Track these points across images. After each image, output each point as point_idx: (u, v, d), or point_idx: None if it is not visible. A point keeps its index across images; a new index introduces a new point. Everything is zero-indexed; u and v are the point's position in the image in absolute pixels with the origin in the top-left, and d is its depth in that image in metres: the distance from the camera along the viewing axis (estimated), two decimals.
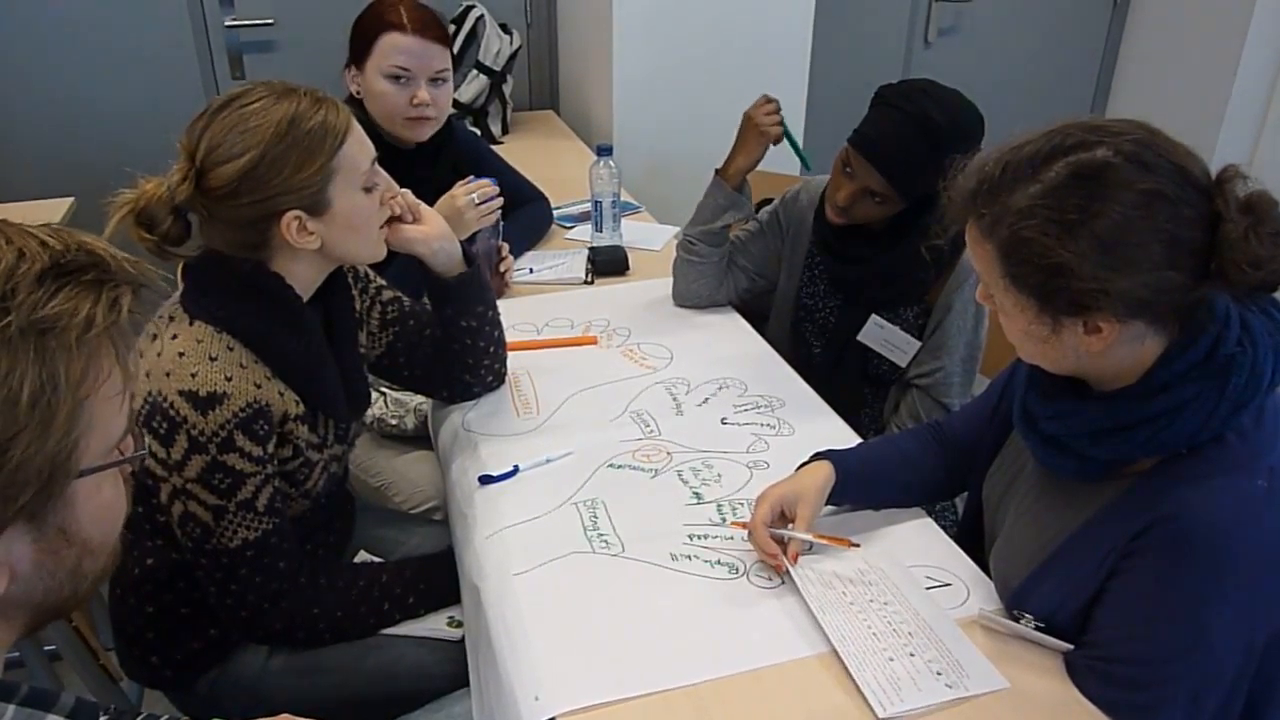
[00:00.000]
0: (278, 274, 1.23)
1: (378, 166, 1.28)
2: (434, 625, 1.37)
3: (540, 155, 2.84)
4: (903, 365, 1.73)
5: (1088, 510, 1.04)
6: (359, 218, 1.25)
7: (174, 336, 1.19)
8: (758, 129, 1.77)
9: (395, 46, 1.84)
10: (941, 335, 1.69)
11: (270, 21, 3.01)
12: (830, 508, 1.27)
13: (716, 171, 1.81)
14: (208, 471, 1.17)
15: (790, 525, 1.20)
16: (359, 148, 1.23)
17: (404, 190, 1.41)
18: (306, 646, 1.33)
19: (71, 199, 2.40)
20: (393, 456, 1.90)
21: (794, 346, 1.88)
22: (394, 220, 1.37)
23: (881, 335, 1.74)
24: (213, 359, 1.18)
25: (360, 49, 1.89)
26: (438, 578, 1.38)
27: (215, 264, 1.22)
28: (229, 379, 1.18)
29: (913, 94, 1.56)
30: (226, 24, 2.99)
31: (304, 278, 1.26)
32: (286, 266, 1.24)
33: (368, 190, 1.25)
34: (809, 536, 1.19)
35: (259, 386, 1.20)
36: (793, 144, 1.81)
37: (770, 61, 2.91)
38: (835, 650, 1.06)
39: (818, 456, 1.28)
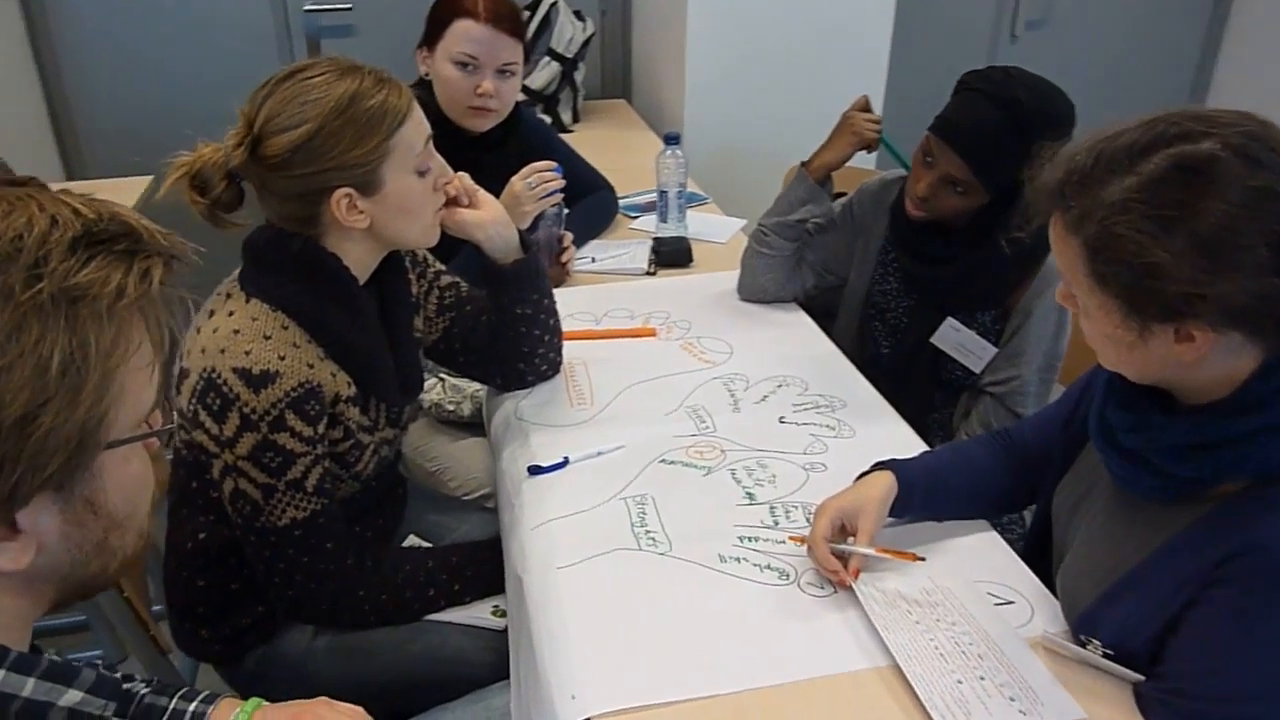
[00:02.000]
0: (333, 254, 1.22)
1: (434, 151, 1.26)
2: (479, 613, 1.36)
3: (610, 144, 2.81)
4: (976, 371, 1.65)
5: (1165, 533, 0.97)
6: (410, 200, 1.23)
7: (230, 314, 1.20)
8: (853, 130, 1.72)
9: (466, 34, 1.83)
10: (1020, 342, 1.61)
11: (349, 6, 3.05)
12: (890, 519, 1.22)
13: (802, 164, 1.77)
14: (258, 449, 1.17)
15: (851, 539, 1.14)
16: (416, 131, 1.22)
17: (461, 174, 1.39)
18: (351, 628, 1.32)
19: (150, 177, 2.46)
20: (448, 442, 1.90)
21: (862, 346, 1.82)
22: (451, 204, 1.36)
23: (956, 339, 1.67)
24: (267, 337, 1.18)
25: (433, 31, 1.88)
26: (485, 565, 1.36)
27: (272, 242, 1.22)
28: (282, 358, 1.17)
29: (998, 77, 1.49)
30: (305, 9, 3.04)
31: (358, 259, 1.25)
32: (339, 246, 1.23)
33: (421, 174, 1.24)
34: (871, 551, 1.13)
35: (311, 367, 1.20)
36: (892, 151, 1.75)
37: (848, 53, 2.84)
38: (894, 665, 1.01)
39: (879, 466, 1.22)
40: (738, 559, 1.18)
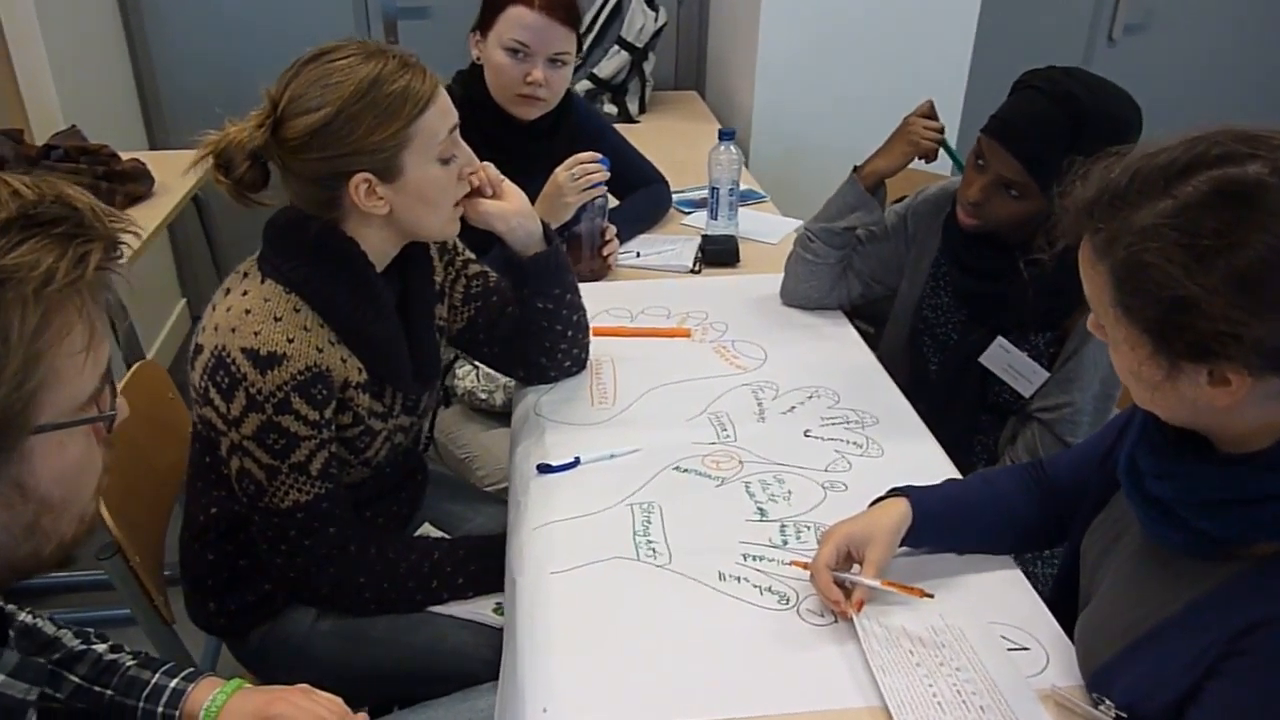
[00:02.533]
0: (351, 238, 1.21)
1: (459, 140, 1.24)
2: (481, 610, 1.33)
3: (674, 136, 2.77)
4: (1026, 395, 1.56)
5: (1192, 591, 0.88)
6: (431, 189, 1.21)
7: (244, 293, 1.20)
8: (909, 137, 1.63)
9: (519, 20, 1.80)
10: (1075, 367, 1.51)
11: None
12: (905, 548, 1.15)
13: (855, 169, 1.69)
14: (263, 431, 1.17)
15: (857, 569, 1.08)
16: (440, 119, 1.19)
17: (486, 164, 1.36)
18: (350, 613, 1.32)
19: None
20: (479, 431, 1.89)
21: (909, 360, 1.74)
22: (474, 194, 1.33)
23: (1006, 360, 1.57)
24: (277, 319, 1.17)
25: (487, 16, 1.86)
26: (490, 561, 1.34)
27: (291, 224, 1.21)
28: (290, 340, 1.17)
29: (1056, 75, 1.40)
30: None
31: (377, 245, 1.24)
32: (358, 231, 1.22)
33: (444, 162, 1.21)
34: (877, 584, 1.06)
35: (320, 351, 1.19)
36: (955, 159, 1.66)
37: (927, 53, 2.73)
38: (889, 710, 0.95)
39: (895, 492, 1.15)
40: (738, 578, 1.13)
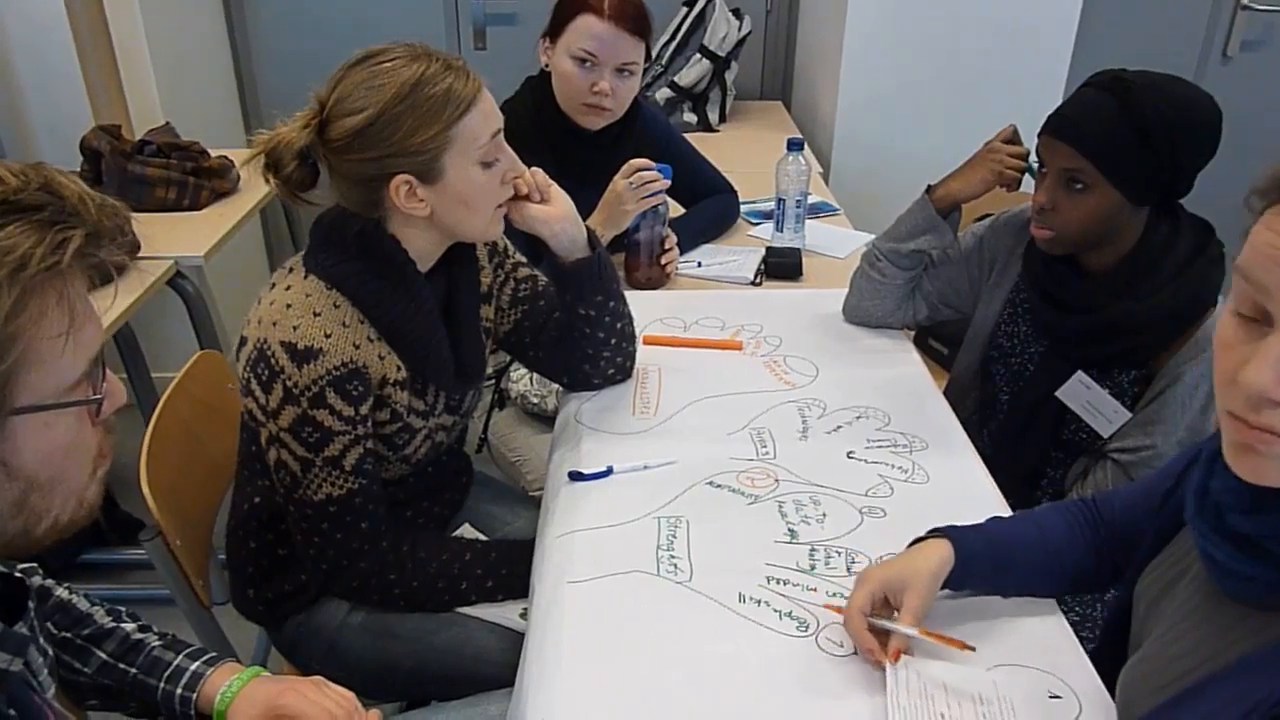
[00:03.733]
0: (394, 237, 1.22)
1: (504, 144, 1.24)
2: (507, 614, 1.33)
3: (752, 146, 2.73)
4: (1104, 435, 1.45)
5: (1246, 644, 0.81)
6: (472, 192, 1.21)
7: (287, 288, 1.22)
8: (990, 164, 1.54)
9: (588, 30, 1.80)
10: (1160, 409, 1.41)
11: None
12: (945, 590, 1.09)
13: (928, 188, 1.62)
14: (298, 424, 1.19)
15: (895, 615, 1.02)
16: (482, 121, 1.19)
17: (535, 169, 1.36)
18: (380, 607, 1.33)
19: None
20: (531, 435, 1.89)
21: (981, 388, 1.66)
22: (521, 198, 1.33)
23: (1085, 396, 1.46)
24: (316, 314, 1.19)
25: (557, 23, 1.86)
26: (520, 567, 1.33)
27: (336, 223, 1.23)
28: (328, 336, 1.18)
29: (1111, 71, 1.34)
30: None
31: (421, 246, 1.25)
32: (401, 232, 1.23)
33: (487, 165, 1.21)
34: (914, 632, 0.99)
35: (357, 347, 1.20)
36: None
37: (1020, 72, 2.63)
38: None
39: (936, 533, 1.09)
40: (758, 601, 1.09)
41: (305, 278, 1.23)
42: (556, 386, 1.84)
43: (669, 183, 1.78)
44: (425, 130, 1.15)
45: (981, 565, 1.07)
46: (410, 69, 1.15)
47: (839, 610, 1.05)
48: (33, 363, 0.63)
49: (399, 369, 1.26)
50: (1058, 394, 1.49)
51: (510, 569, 1.34)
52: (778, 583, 1.12)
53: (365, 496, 1.25)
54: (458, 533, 1.51)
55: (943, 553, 1.05)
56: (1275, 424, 0.72)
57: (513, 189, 1.30)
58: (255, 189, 2.31)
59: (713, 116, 2.91)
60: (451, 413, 1.39)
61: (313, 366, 1.17)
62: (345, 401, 1.20)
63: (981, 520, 1.14)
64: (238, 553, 1.40)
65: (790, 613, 1.07)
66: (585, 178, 1.89)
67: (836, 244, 2.06)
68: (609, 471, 1.32)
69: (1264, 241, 0.72)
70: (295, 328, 1.18)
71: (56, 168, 0.66)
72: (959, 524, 1.10)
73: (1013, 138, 1.57)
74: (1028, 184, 1.57)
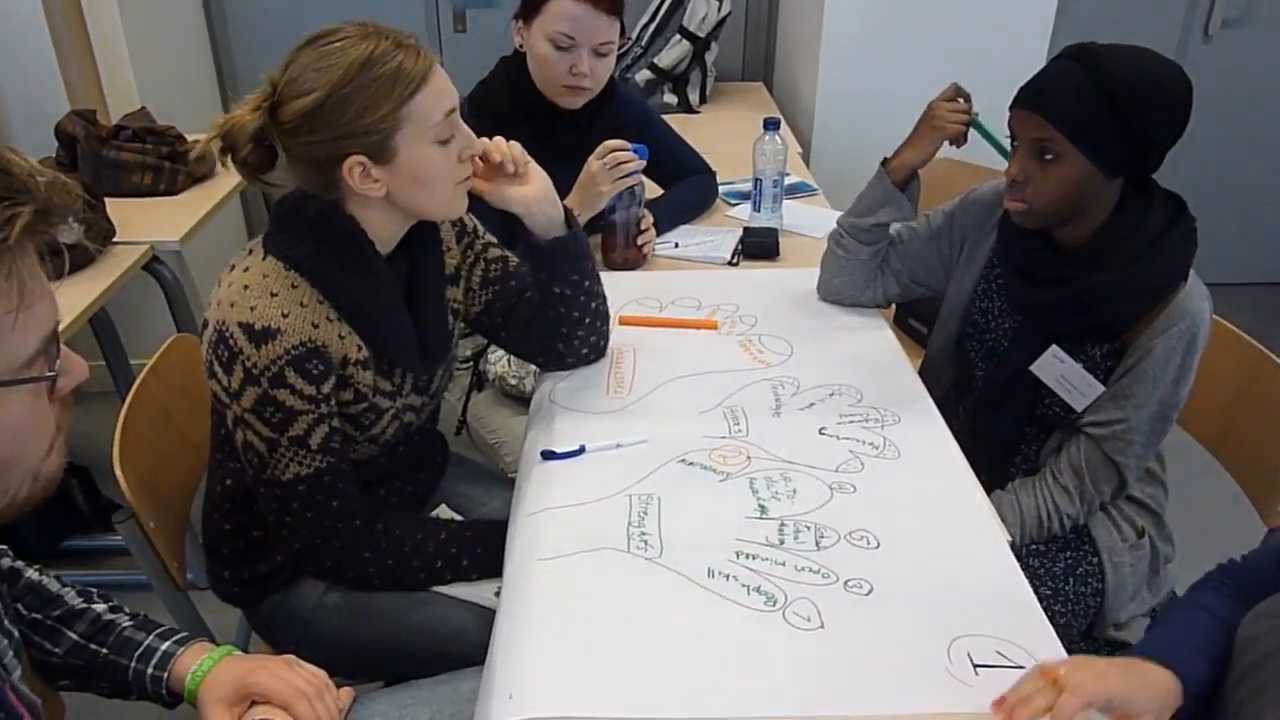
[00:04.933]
0: (351, 217, 1.22)
1: (459, 121, 1.23)
2: (482, 592, 1.34)
3: (732, 127, 2.73)
4: (1078, 409, 1.46)
5: None
6: (427, 170, 1.20)
7: (246, 269, 1.21)
8: (932, 122, 1.57)
9: (564, 13, 1.79)
10: (1133, 382, 1.41)
11: None
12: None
13: (883, 161, 1.63)
14: (260, 404, 1.19)
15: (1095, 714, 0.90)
16: (435, 99, 1.18)
17: (513, 143, 1.36)
18: (356, 587, 1.34)
19: None
20: (509, 416, 1.89)
21: (956, 365, 1.67)
22: (498, 171, 1.33)
23: (1059, 370, 1.47)
24: (273, 295, 1.19)
25: (531, 6, 1.85)
26: (496, 545, 1.33)
27: (294, 204, 1.23)
28: (285, 315, 1.18)
29: (1081, 43, 1.34)
30: None
31: (380, 226, 1.24)
32: (359, 212, 1.22)
33: (442, 143, 1.20)
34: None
35: (316, 326, 1.20)
36: (987, 137, 1.58)
37: (1000, 50, 2.62)
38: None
39: (1145, 651, 0.99)
40: (727, 575, 1.10)
41: (264, 259, 1.22)
42: (534, 368, 1.84)
43: (644, 163, 1.78)
44: (375, 110, 1.14)
45: (1204, 692, 0.99)
46: (359, 48, 1.13)
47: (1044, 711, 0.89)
48: None
49: (360, 349, 1.26)
50: (1032, 368, 1.49)
51: (485, 548, 1.34)
52: (747, 557, 1.13)
53: (334, 475, 1.25)
54: (434, 514, 1.52)
55: (1169, 686, 0.95)
56: None
57: (471, 166, 1.29)
58: (233, 173, 2.28)
59: (693, 98, 2.91)
60: (420, 393, 1.39)
61: (271, 346, 1.17)
62: (306, 380, 1.19)
63: (951, 492, 1.14)
64: (213, 535, 1.40)
65: (759, 587, 1.08)
66: (562, 157, 1.87)
67: (814, 224, 2.06)
68: (581, 450, 1.32)
69: None
70: (252, 308, 1.17)
71: (9, 146, 0.66)
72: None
73: (954, 95, 1.59)
74: (996, 160, 1.58)
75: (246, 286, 1.19)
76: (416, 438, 1.47)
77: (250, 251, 1.24)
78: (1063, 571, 1.48)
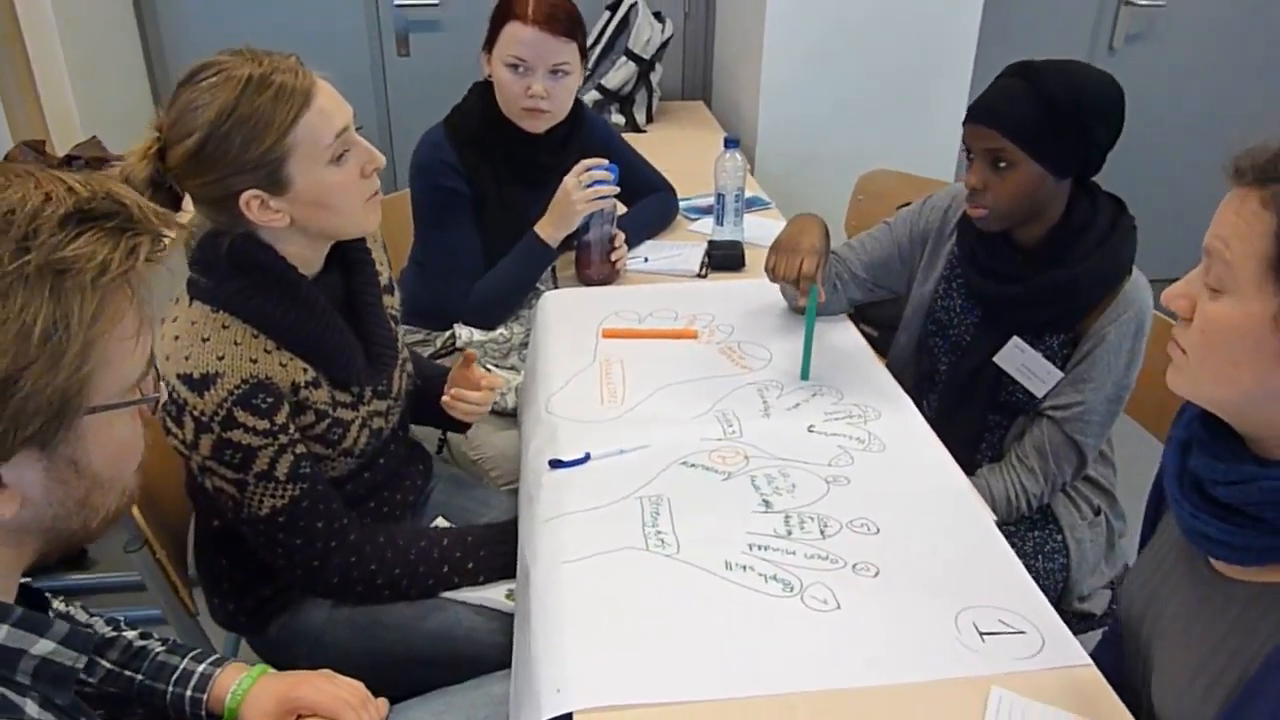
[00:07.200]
0: (268, 245, 1.20)
1: (352, 135, 1.20)
2: (493, 595, 1.38)
3: (680, 145, 2.82)
4: (1039, 396, 1.58)
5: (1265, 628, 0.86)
6: (327, 194, 1.18)
7: (174, 319, 1.21)
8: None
9: (515, 36, 1.84)
10: (1089, 368, 1.54)
11: (436, 2, 3.12)
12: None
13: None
14: (218, 449, 1.18)
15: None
16: (322, 119, 1.15)
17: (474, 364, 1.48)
18: (365, 601, 1.36)
19: None
20: (492, 432, 1.93)
21: (919, 362, 1.77)
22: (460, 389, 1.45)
23: (1020, 360, 1.59)
24: (205, 340, 1.18)
25: (491, 34, 1.91)
26: (500, 547, 1.38)
27: (207, 243, 1.21)
28: (220, 358, 1.17)
29: (1021, 61, 1.49)
30: (396, 4, 3.12)
31: (297, 252, 1.23)
32: (274, 241, 1.21)
33: (338, 163, 1.18)
34: None
35: (255, 361, 1.19)
36: (810, 310, 1.56)
37: (929, 63, 2.78)
38: (896, 685, 0.98)
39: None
40: (744, 567, 1.17)
41: (190, 305, 1.21)
42: (515, 384, 1.89)
43: (618, 189, 1.84)
44: (260, 143, 1.11)
45: None
46: (230, 85, 1.10)
47: None
48: (106, 365, 0.66)
49: (305, 370, 1.25)
50: (995, 359, 1.61)
51: (489, 550, 1.38)
52: (760, 549, 1.20)
53: (312, 499, 1.25)
54: (433, 525, 1.55)
55: None
56: None
57: (378, 180, 1.26)
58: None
59: (640, 117, 2.99)
60: (382, 398, 1.41)
61: (213, 391, 1.16)
62: (257, 415, 1.18)
63: (936, 478, 1.23)
64: (210, 570, 1.40)
65: (775, 575, 1.15)
66: (535, 180, 1.94)
67: (772, 236, 2.14)
68: (587, 458, 1.37)
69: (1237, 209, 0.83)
70: (187, 358, 1.16)
71: (114, 179, 0.69)
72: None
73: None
74: (948, 171, 1.69)
75: (177, 337, 1.18)
76: (393, 446, 1.48)
77: (176, 301, 1.23)
78: (1032, 550, 1.59)
